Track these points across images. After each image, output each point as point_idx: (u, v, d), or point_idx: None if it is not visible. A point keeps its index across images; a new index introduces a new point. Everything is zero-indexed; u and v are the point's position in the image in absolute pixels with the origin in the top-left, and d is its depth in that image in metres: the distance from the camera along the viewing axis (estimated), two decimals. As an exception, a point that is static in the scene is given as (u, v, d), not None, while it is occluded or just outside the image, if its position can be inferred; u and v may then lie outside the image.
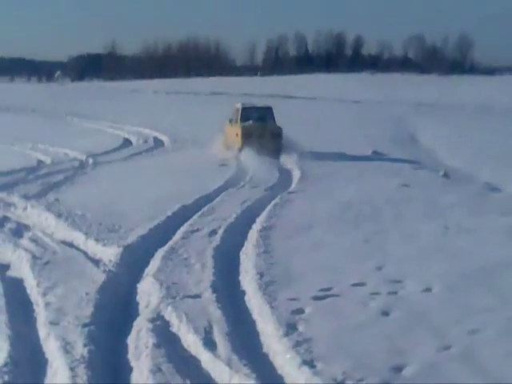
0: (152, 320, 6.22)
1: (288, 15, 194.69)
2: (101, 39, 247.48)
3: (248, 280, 7.51)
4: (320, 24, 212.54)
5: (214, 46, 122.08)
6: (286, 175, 15.56)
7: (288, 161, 17.48)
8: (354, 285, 7.19)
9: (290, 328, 5.95)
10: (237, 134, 20.20)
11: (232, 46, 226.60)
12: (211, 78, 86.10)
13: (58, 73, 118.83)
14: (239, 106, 21.48)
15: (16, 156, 18.63)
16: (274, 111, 21.11)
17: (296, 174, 15.38)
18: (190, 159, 18.48)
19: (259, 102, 25.80)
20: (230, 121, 21.41)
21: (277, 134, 20.09)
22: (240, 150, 19.57)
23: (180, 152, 20.39)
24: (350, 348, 5.51)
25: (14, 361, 5.35)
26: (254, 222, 10.38)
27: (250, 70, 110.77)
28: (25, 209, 11.33)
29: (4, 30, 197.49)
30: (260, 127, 20.34)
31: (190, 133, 25.44)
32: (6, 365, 5.26)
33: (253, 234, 9.55)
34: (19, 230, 9.94)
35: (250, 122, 20.50)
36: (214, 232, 9.65)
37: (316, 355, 5.34)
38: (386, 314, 6.30)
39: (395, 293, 6.90)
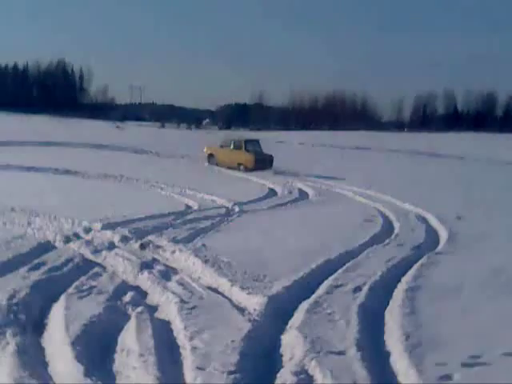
0: (296, 373, 6.18)
1: (437, 73, 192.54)
2: (248, 90, 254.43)
3: (393, 340, 7.33)
4: (470, 82, 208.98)
5: (360, 100, 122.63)
6: (432, 235, 15.16)
7: (434, 222, 17.07)
8: (506, 354, 6.85)
9: (438, 394, 5.76)
10: (246, 158, 32.39)
11: (379, 100, 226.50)
12: (357, 132, 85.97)
13: (206, 121, 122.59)
14: (242, 138, 35.80)
15: (165, 200, 19.20)
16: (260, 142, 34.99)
17: (443, 235, 14.96)
18: (335, 212, 18.42)
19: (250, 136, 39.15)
20: (222, 146, 34.35)
21: (271, 159, 33.18)
22: (252, 169, 31.65)
23: (324, 205, 20.35)
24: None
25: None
26: (399, 281, 10.14)
27: (396, 125, 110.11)
28: (173, 252, 11.59)
29: (156, 79, 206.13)
30: (262, 154, 33.63)
31: (335, 186, 25.57)
32: (154, 405, 5.37)
33: (398, 294, 9.33)
34: (167, 273, 10.17)
35: (253, 150, 33.36)
36: (358, 288, 9.49)
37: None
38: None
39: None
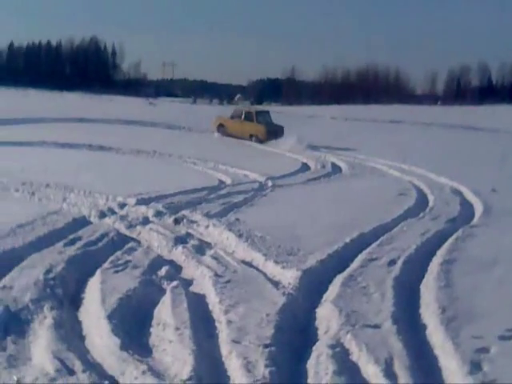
0: (331, 346, 6.17)
1: (471, 45, 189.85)
2: (280, 64, 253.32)
3: (429, 313, 7.28)
4: (504, 55, 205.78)
5: (393, 74, 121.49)
6: (467, 209, 15.02)
7: (469, 195, 16.90)
8: (544, 326, 6.78)
9: (474, 367, 5.71)
10: (258, 129, 33.16)
11: (412, 73, 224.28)
12: (390, 106, 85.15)
13: (238, 96, 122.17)
14: (253, 109, 37.32)
15: (198, 175, 19.24)
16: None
17: (478, 208, 14.81)
18: (368, 186, 18.33)
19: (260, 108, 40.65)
20: (233, 117, 35.01)
21: (282, 130, 33.28)
22: (265, 140, 32.28)
23: (358, 179, 20.27)
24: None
25: (198, 376, 5.48)
26: (434, 254, 10.05)
27: (429, 98, 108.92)
28: (207, 227, 11.62)
29: (188, 55, 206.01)
30: (273, 125, 34.20)
31: (368, 160, 25.44)
32: (190, 379, 5.41)
33: (433, 267, 9.26)
34: (201, 248, 10.21)
35: (264, 121, 34.08)
36: (393, 262, 9.44)
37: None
38: None
39: None
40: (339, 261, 9.50)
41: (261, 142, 32.61)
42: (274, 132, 33.22)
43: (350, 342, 6.27)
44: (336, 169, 23.37)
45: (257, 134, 33.30)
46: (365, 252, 10.08)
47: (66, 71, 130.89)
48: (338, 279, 8.54)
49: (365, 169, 23.26)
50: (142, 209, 12.83)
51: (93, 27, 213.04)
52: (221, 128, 35.23)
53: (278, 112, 51.96)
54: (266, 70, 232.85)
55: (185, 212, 12.73)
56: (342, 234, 11.02)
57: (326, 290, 8.22)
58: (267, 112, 37.01)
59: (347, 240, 10.62)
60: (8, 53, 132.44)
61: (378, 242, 10.85)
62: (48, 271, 8.27)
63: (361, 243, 10.63)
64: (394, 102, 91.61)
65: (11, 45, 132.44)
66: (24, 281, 7.86)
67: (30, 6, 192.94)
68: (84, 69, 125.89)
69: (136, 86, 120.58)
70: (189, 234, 11.13)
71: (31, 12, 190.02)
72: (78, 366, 5.72)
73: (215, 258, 9.52)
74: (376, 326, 6.77)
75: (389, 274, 8.79)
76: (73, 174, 17.09)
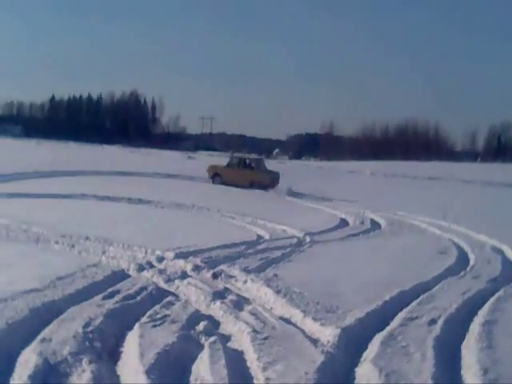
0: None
1: None
2: (319, 119, 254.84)
3: (470, 375, 7.16)
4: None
5: (433, 129, 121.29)
6: (509, 268, 14.81)
7: (510, 253, 16.69)
8: None
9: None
10: (261, 177, 34.91)
11: (452, 129, 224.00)
12: (429, 162, 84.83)
13: (277, 150, 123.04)
14: (252, 157, 39.22)
15: (236, 230, 19.28)
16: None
17: (521, 267, 14.62)
18: (407, 244, 18.21)
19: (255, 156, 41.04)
20: (230, 165, 36.18)
21: (278, 177, 35.62)
22: (270, 188, 33.75)
23: (397, 236, 20.16)
24: None
25: None
26: (475, 314, 9.92)
27: (469, 155, 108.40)
28: (245, 282, 11.60)
29: (227, 109, 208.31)
30: (272, 172, 36.49)
31: (407, 217, 25.29)
32: None
33: (474, 327, 9.12)
34: (239, 303, 10.17)
35: (264, 169, 36.18)
36: (433, 321, 9.31)
37: None
38: None
39: None
40: (378, 319, 9.39)
41: (265, 188, 34.16)
42: (277, 179, 35.52)
43: (390, 403, 6.16)
44: (375, 225, 23.23)
45: (260, 181, 34.89)
46: (405, 310, 9.96)
47: (106, 124, 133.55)
48: (378, 338, 8.42)
49: (404, 225, 23.16)
50: (181, 263, 12.87)
51: (133, 81, 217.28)
52: (216, 177, 35.99)
53: (319, 167, 52.14)
54: (304, 125, 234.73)
55: (223, 267, 12.73)
56: (381, 291, 10.92)
57: (365, 348, 8.11)
58: (262, 159, 39.25)
59: (387, 298, 10.51)
60: (49, 106, 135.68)
61: (418, 300, 10.73)
62: (87, 324, 8.29)
63: (400, 301, 10.50)
64: (433, 158, 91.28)
65: (53, 98, 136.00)
66: (63, 333, 7.89)
67: (71, 60, 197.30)
68: (124, 122, 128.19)
69: (175, 140, 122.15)
70: (227, 289, 11.11)
71: (72, 66, 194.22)
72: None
73: (253, 313, 9.47)
74: (417, 387, 6.64)
75: (429, 334, 8.65)
76: (112, 226, 17.27)
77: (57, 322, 8.40)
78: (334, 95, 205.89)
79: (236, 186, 34.36)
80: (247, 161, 36.55)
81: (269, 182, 35.03)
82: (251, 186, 34.49)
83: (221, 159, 54.99)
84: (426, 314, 9.75)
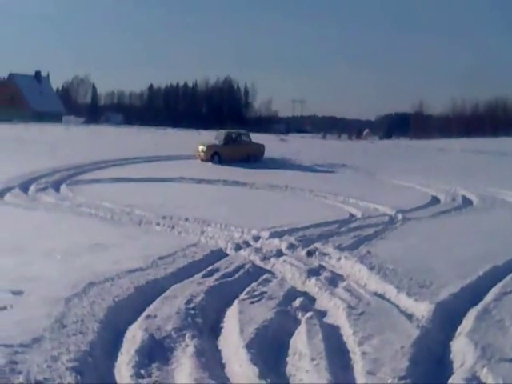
0: (467, 380, 6.15)
1: None
2: (408, 99, 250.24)
3: None
4: None
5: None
6: None
7: None
8: None
9: None
10: (256, 149, 36.71)
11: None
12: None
13: (366, 131, 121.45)
14: (240, 132, 39.19)
15: (329, 209, 19.48)
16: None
17: None
18: (499, 220, 17.99)
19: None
20: (226, 143, 36.03)
21: (264, 148, 37.38)
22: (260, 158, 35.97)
23: (489, 212, 19.92)
24: None
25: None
26: None
27: None
28: (338, 259, 11.81)
29: (317, 92, 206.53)
30: (262, 145, 37.61)
31: (500, 193, 24.81)
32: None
33: None
34: (334, 280, 10.37)
35: (254, 142, 37.74)
36: (528, 296, 9.32)
37: None
38: None
39: None
40: (472, 294, 9.43)
41: (257, 160, 36.02)
42: (264, 151, 37.33)
43: (486, 376, 6.23)
44: (466, 202, 22.95)
45: (255, 153, 36.67)
46: (498, 285, 9.96)
47: (202, 110, 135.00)
48: (472, 312, 8.48)
49: (496, 202, 22.79)
50: (276, 241, 13.19)
51: (226, 67, 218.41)
52: (215, 156, 35.55)
53: (408, 146, 51.46)
54: (394, 105, 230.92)
55: (317, 245, 12.96)
56: (474, 266, 10.93)
57: (459, 323, 8.19)
58: (248, 132, 39.83)
59: (480, 273, 10.53)
60: (148, 94, 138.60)
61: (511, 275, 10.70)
62: (189, 301, 8.67)
63: (494, 276, 10.50)
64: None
65: (151, 86, 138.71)
66: (167, 310, 8.28)
67: (168, 49, 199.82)
68: (218, 108, 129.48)
69: (267, 123, 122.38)
70: (321, 267, 11.33)
71: (169, 55, 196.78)
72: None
73: (348, 290, 9.65)
74: (513, 360, 6.71)
75: (525, 308, 8.66)
76: (209, 208, 17.77)
77: (160, 299, 8.82)
78: (423, 74, 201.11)
79: (234, 161, 34.62)
80: (238, 136, 37.69)
81: (261, 153, 36.91)
82: (248, 159, 35.52)
83: (313, 140, 55.15)
84: (522, 288, 9.73)
